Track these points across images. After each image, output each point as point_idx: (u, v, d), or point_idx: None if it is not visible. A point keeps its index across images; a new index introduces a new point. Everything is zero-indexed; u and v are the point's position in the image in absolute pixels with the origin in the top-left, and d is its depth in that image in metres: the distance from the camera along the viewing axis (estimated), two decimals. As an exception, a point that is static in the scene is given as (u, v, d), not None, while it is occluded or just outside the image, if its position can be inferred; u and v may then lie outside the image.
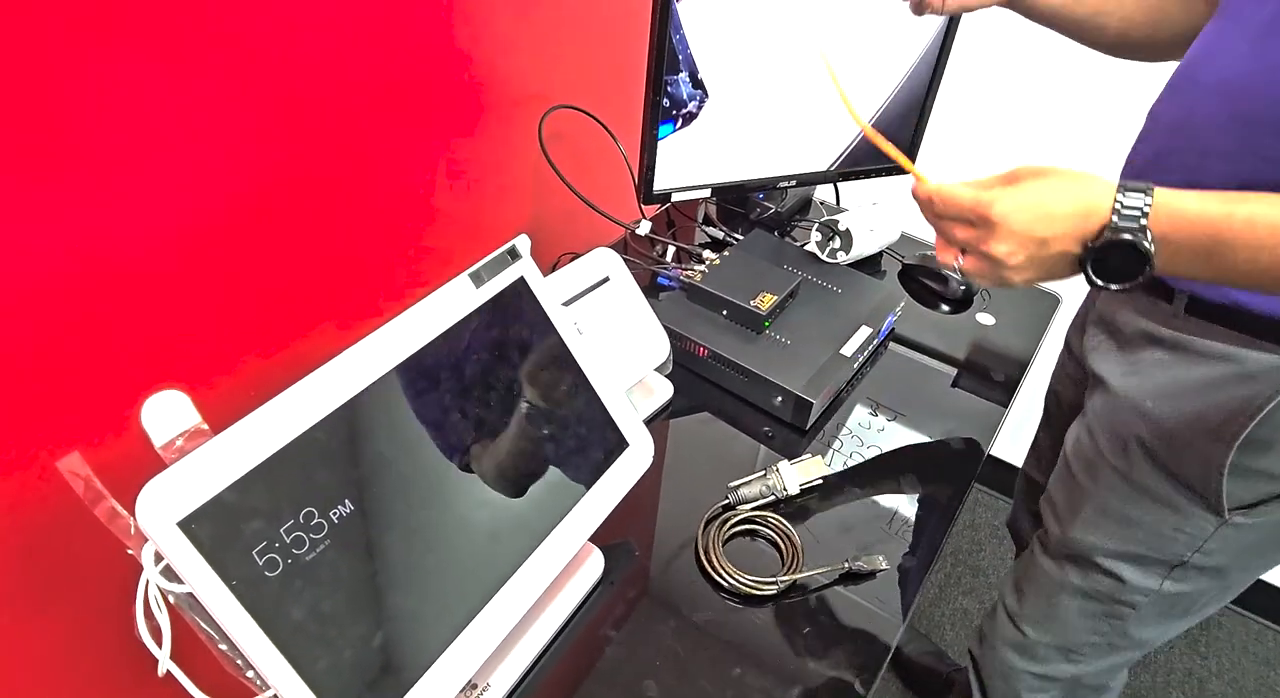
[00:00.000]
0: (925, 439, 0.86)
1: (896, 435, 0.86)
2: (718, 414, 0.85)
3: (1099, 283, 0.50)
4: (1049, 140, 1.29)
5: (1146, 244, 0.48)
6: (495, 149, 0.97)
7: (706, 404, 0.86)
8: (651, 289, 1.01)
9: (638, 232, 0.99)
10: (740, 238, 1.07)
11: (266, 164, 0.69)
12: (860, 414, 0.88)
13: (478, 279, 0.60)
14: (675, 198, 1.03)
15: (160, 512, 0.42)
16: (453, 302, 0.57)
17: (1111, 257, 0.49)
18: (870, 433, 0.86)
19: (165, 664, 0.49)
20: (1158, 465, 0.67)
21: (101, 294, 0.57)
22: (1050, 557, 0.79)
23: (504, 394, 0.60)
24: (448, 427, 0.56)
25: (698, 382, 0.88)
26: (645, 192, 1.00)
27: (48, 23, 0.49)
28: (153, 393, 0.43)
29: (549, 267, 1.02)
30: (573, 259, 1.04)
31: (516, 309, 0.62)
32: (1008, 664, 0.87)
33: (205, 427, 0.46)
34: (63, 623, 0.60)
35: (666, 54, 0.88)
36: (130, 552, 0.42)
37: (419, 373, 0.54)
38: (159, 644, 0.48)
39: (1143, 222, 0.48)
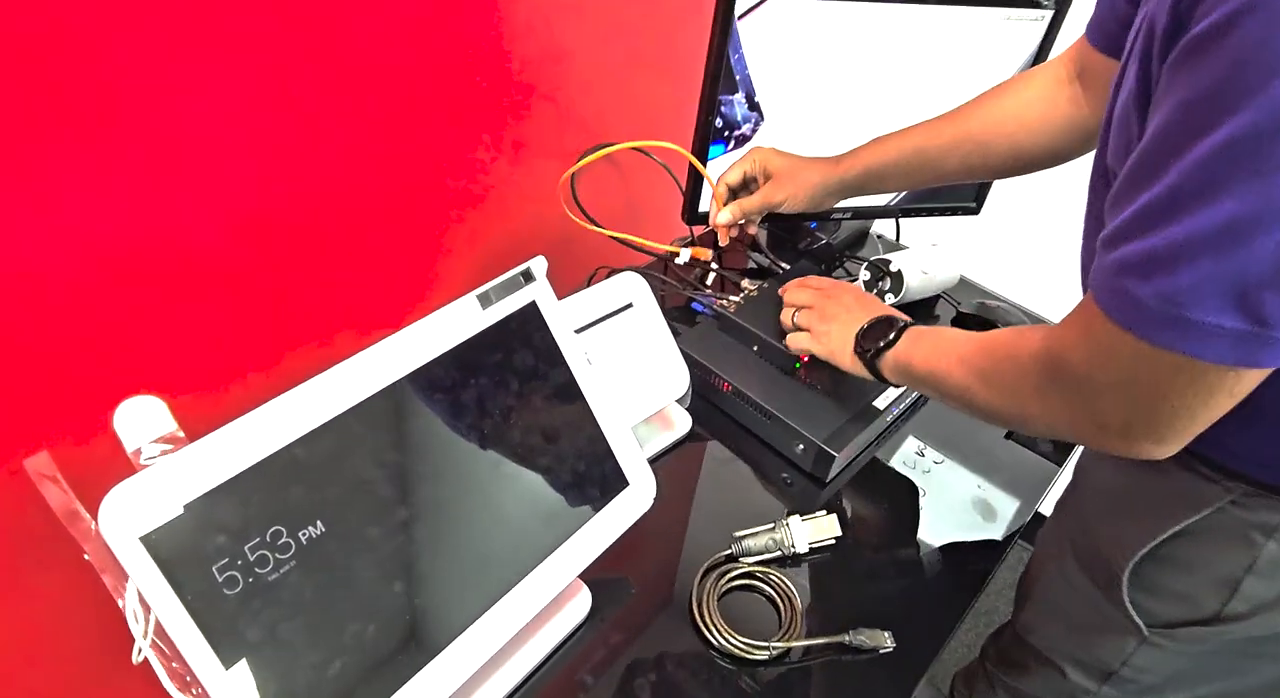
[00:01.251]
0: (971, 487, 0.82)
1: (942, 478, 0.82)
2: (735, 454, 0.81)
3: (862, 343, 0.70)
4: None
5: (900, 322, 0.69)
6: (538, 153, 0.95)
7: (725, 442, 0.82)
8: (685, 313, 0.97)
9: (676, 260, 0.96)
10: (786, 267, 1.03)
11: (287, 168, 0.69)
12: (907, 452, 0.84)
13: (486, 300, 0.58)
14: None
15: (122, 520, 0.42)
16: (456, 323, 0.55)
17: (875, 328, 0.70)
18: (915, 473, 0.82)
19: (146, 652, 0.49)
20: (1082, 565, 0.65)
21: (100, 292, 0.57)
22: (1013, 637, 0.77)
23: (500, 423, 0.58)
24: (435, 453, 0.55)
25: (719, 417, 0.84)
26: (690, 212, 0.97)
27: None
28: (129, 398, 0.42)
29: (584, 280, 1.00)
30: (609, 274, 1.02)
31: (524, 334, 0.60)
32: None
33: (181, 434, 0.45)
34: (36, 607, 0.61)
35: (723, 73, 0.85)
36: (86, 557, 0.42)
37: (411, 395, 0.53)
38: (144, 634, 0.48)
39: (901, 321, 0.69)
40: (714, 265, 1.02)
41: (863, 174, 0.80)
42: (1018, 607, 0.76)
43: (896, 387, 0.72)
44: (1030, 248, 1.33)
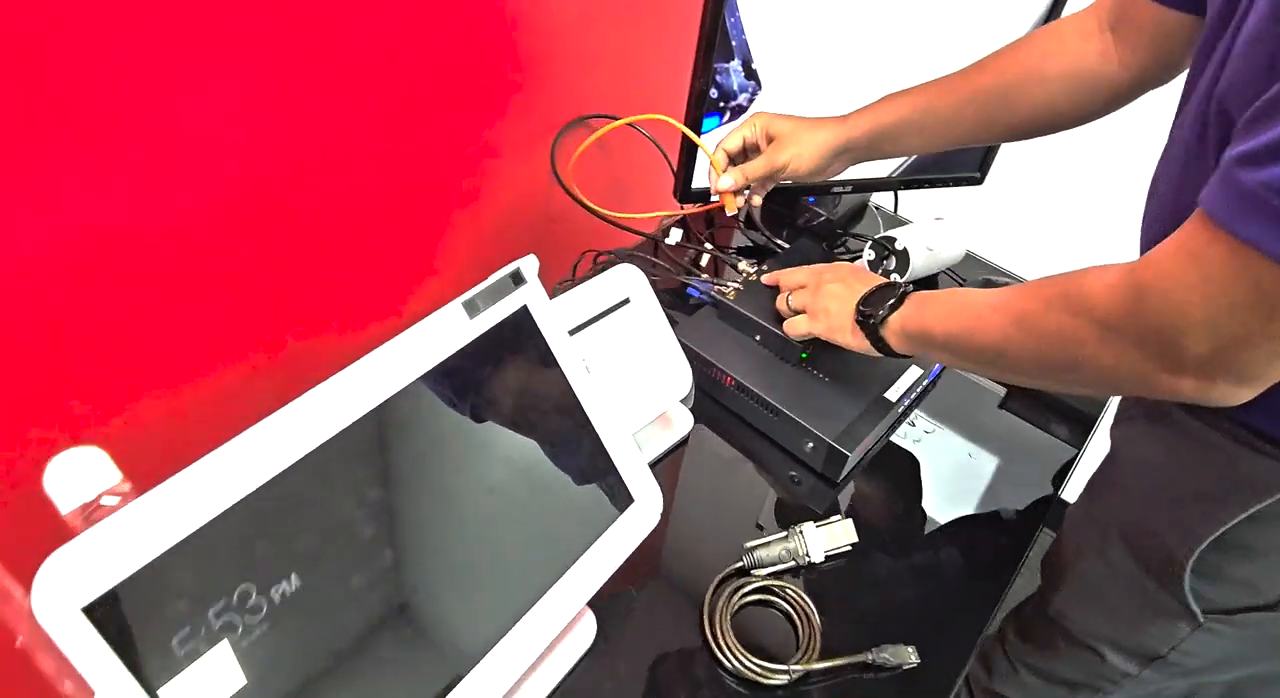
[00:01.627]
0: (961, 455, 0.80)
1: (933, 446, 0.80)
2: (740, 452, 0.77)
3: (863, 309, 0.66)
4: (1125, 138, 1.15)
5: (901, 287, 0.65)
6: (519, 130, 0.88)
7: (728, 439, 0.77)
8: (678, 298, 0.91)
9: (667, 240, 0.90)
10: (783, 246, 0.97)
11: (251, 150, 0.61)
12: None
13: (473, 308, 0.51)
14: (714, 197, 0.93)
15: (62, 593, 0.35)
16: (441, 335, 0.49)
17: (876, 294, 0.66)
18: (906, 442, 0.81)
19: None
20: (1129, 547, 0.62)
21: (25, 300, 0.50)
22: (1040, 617, 0.74)
23: (492, 445, 0.52)
24: (422, 484, 0.49)
25: (721, 412, 0.79)
26: (683, 189, 0.90)
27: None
28: (64, 450, 0.36)
29: (571, 265, 0.93)
30: (596, 257, 0.95)
31: (516, 343, 0.53)
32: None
33: (127, 487, 0.39)
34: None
35: (718, 39, 0.77)
36: (20, 643, 0.36)
37: (392, 421, 0.47)
38: None
39: (902, 285, 0.66)
40: (708, 244, 0.96)
41: (872, 133, 0.74)
42: (1047, 590, 0.73)
43: (903, 357, 0.67)
44: (1037, 218, 1.29)
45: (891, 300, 0.64)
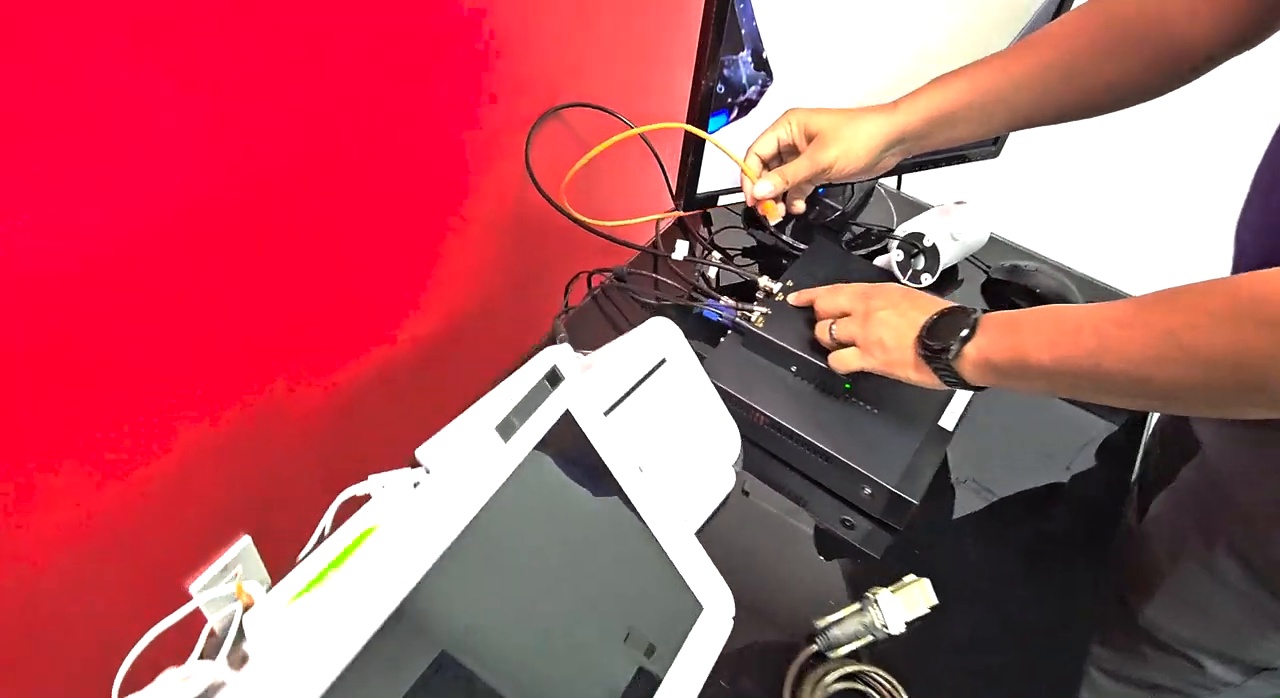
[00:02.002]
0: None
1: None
2: (787, 499, 0.69)
3: (930, 343, 0.57)
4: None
5: (973, 311, 0.57)
6: (494, 129, 0.76)
7: (773, 485, 0.69)
8: (683, 314, 0.81)
9: (674, 255, 0.80)
10: (795, 244, 0.88)
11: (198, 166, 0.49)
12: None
13: (507, 429, 0.41)
14: (722, 200, 0.83)
15: None
16: (472, 476, 0.39)
17: (943, 323, 0.57)
18: None
19: None
20: (1242, 562, 0.59)
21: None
22: (1123, 628, 0.70)
23: (547, 591, 0.43)
24: (472, 659, 0.40)
25: (759, 455, 0.71)
26: (687, 195, 0.80)
27: None
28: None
29: (561, 292, 0.82)
30: (590, 279, 0.84)
31: (562, 460, 0.44)
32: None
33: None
34: None
35: (726, 27, 0.66)
36: None
37: (424, 608, 0.37)
38: None
39: (972, 310, 0.58)
40: (716, 254, 0.87)
41: (928, 121, 0.65)
42: (1133, 598, 0.69)
43: (977, 389, 0.60)
44: (1055, 191, 1.21)
45: (964, 331, 0.55)
